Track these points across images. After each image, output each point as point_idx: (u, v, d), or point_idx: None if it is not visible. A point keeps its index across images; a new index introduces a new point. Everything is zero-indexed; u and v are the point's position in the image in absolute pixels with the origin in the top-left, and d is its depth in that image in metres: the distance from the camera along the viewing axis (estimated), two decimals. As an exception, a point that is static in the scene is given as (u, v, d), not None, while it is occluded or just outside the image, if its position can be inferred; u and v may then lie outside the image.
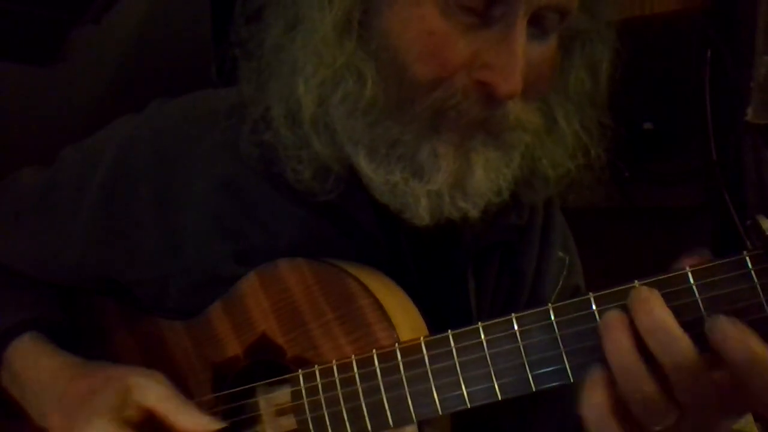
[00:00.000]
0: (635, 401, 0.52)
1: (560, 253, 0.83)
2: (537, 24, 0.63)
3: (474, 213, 0.67)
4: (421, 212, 0.66)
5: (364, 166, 0.67)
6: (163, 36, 1.73)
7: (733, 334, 0.50)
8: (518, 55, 0.60)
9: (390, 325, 0.64)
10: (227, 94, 0.76)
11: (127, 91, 1.63)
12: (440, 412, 0.60)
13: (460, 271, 0.77)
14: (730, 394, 0.51)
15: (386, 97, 0.65)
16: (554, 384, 0.57)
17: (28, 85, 1.54)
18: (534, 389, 0.57)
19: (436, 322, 0.67)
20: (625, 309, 0.53)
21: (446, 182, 0.65)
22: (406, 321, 0.66)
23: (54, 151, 0.85)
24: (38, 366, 0.73)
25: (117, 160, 0.76)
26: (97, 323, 0.82)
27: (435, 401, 0.60)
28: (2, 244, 0.84)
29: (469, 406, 0.59)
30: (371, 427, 0.62)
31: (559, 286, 0.82)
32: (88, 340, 0.81)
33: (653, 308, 0.52)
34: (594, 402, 0.53)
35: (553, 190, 0.75)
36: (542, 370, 0.57)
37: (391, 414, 0.61)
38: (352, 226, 0.72)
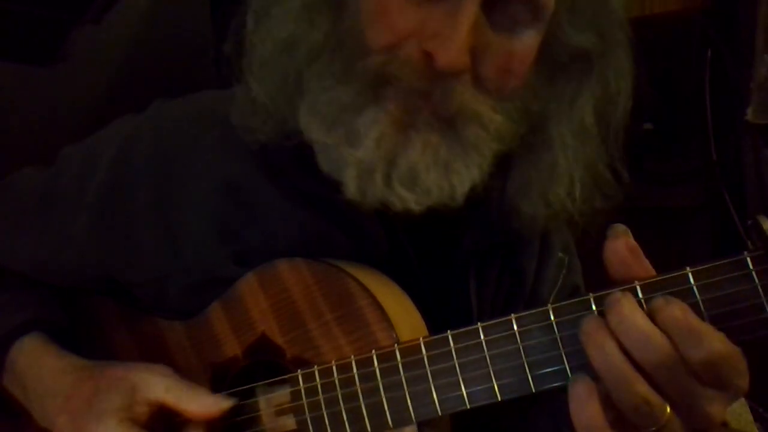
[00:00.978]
0: (628, 404, 0.51)
1: (560, 254, 0.83)
2: (502, 12, 0.62)
3: (415, 207, 0.64)
4: (349, 182, 0.64)
5: (305, 123, 0.66)
6: (163, 36, 1.73)
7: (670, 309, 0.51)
8: (461, 26, 0.59)
9: (389, 325, 0.64)
10: (227, 95, 0.76)
11: (127, 91, 1.63)
12: (440, 413, 0.60)
13: (461, 271, 0.77)
14: (709, 381, 0.51)
15: (335, 56, 0.65)
16: (554, 385, 0.57)
17: (28, 85, 1.54)
18: (534, 390, 0.57)
19: (436, 323, 0.67)
20: (603, 315, 0.53)
21: (378, 155, 0.63)
22: (406, 321, 0.66)
23: (54, 151, 0.84)
24: (41, 367, 0.73)
25: (117, 160, 0.76)
26: (97, 323, 0.81)
27: (434, 402, 0.60)
28: (2, 244, 0.84)
29: (468, 406, 0.59)
30: (371, 427, 0.62)
31: (558, 285, 0.82)
32: (87, 340, 0.81)
33: (623, 309, 0.52)
34: (583, 414, 0.53)
35: (547, 224, 0.74)
36: (542, 371, 0.57)
37: (390, 414, 0.61)
38: (352, 226, 0.72)
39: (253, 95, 0.69)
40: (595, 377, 0.53)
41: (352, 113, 0.64)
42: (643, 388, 0.51)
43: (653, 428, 0.52)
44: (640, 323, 0.51)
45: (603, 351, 0.52)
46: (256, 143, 0.70)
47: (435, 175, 0.64)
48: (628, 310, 0.52)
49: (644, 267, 0.55)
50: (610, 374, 0.52)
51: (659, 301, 0.52)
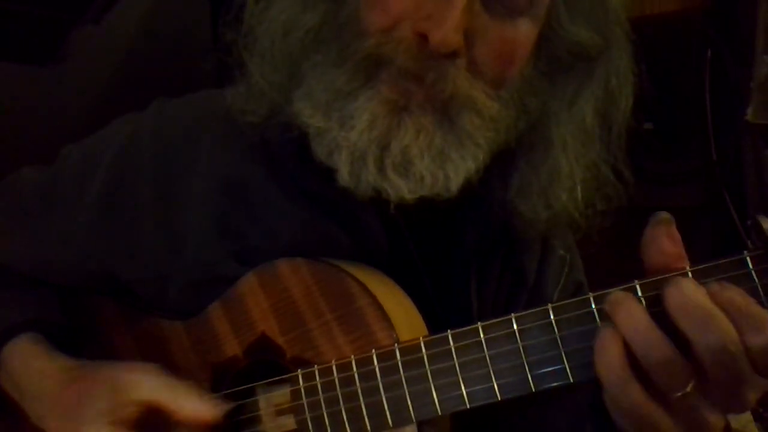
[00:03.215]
0: (655, 362, 0.50)
1: (561, 252, 0.83)
2: (500, 0, 0.63)
3: (409, 196, 0.64)
4: (342, 168, 0.64)
5: (299, 108, 0.66)
6: (163, 36, 1.73)
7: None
8: (455, 5, 0.59)
9: (389, 324, 0.64)
10: (229, 94, 0.76)
11: (127, 91, 1.64)
12: (440, 413, 0.60)
13: (462, 270, 0.77)
14: (711, 387, 0.51)
15: (332, 41, 0.65)
16: (554, 384, 0.57)
17: (28, 85, 1.55)
18: (533, 390, 0.57)
19: (436, 322, 0.67)
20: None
21: (370, 138, 0.63)
22: (406, 321, 0.66)
23: (54, 151, 0.85)
24: (30, 369, 0.73)
25: (118, 159, 0.76)
26: (97, 323, 0.81)
27: (434, 401, 0.60)
28: (3, 244, 0.84)
29: (468, 406, 0.59)
30: (370, 427, 0.62)
31: (560, 284, 0.82)
32: (88, 340, 0.81)
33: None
34: (609, 364, 0.52)
35: (549, 226, 0.73)
36: (542, 371, 0.57)
37: (390, 414, 0.61)
38: (354, 225, 0.72)
39: (250, 79, 0.70)
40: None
41: (345, 98, 0.64)
42: (668, 349, 0.50)
43: (679, 393, 0.50)
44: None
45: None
46: (252, 130, 0.71)
47: (429, 162, 0.63)
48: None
49: (682, 257, 0.54)
50: (639, 336, 0.51)
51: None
